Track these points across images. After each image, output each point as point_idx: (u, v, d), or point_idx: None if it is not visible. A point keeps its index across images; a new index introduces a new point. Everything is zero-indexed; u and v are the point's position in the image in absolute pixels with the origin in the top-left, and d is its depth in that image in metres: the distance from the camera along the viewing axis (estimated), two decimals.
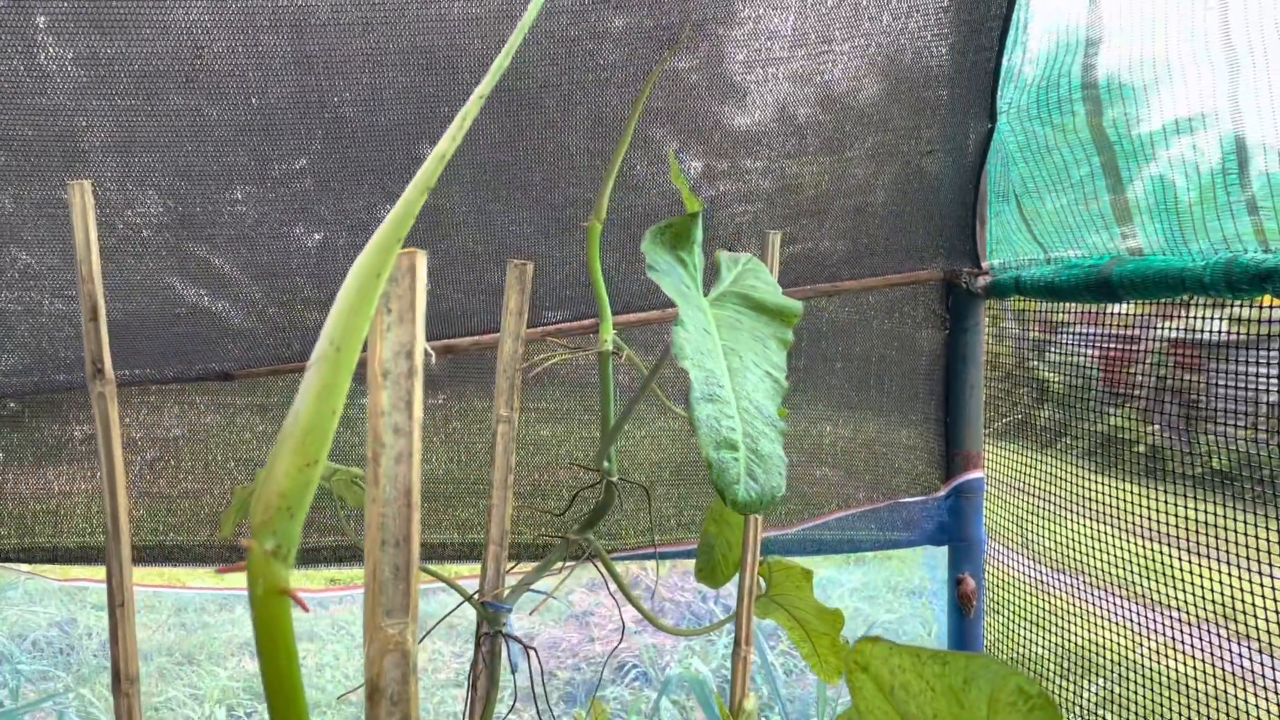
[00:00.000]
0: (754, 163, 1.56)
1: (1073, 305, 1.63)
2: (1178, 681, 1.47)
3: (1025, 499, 1.87)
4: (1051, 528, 1.79)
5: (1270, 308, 1.27)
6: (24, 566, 1.84)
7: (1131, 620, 1.61)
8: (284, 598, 0.43)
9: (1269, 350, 1.30)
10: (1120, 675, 1.62)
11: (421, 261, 0.50)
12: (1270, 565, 1.40)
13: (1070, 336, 1.88)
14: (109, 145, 1.34)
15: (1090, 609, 1.76)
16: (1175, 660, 1.48)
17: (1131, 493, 1.63)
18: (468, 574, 1.90)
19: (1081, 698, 1.71)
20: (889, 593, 4.07)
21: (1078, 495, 1.75)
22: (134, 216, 1.43)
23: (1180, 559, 1.54)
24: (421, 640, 1.67)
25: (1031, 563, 1.87)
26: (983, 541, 1.88)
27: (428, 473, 1.79)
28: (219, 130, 1.34)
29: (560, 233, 1.59)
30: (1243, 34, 1.21)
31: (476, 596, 1.21)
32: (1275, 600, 1.35)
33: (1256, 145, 1.21)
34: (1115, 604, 1.67)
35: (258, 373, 1.68)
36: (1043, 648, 1.80)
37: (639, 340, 1.79)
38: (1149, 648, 1.57)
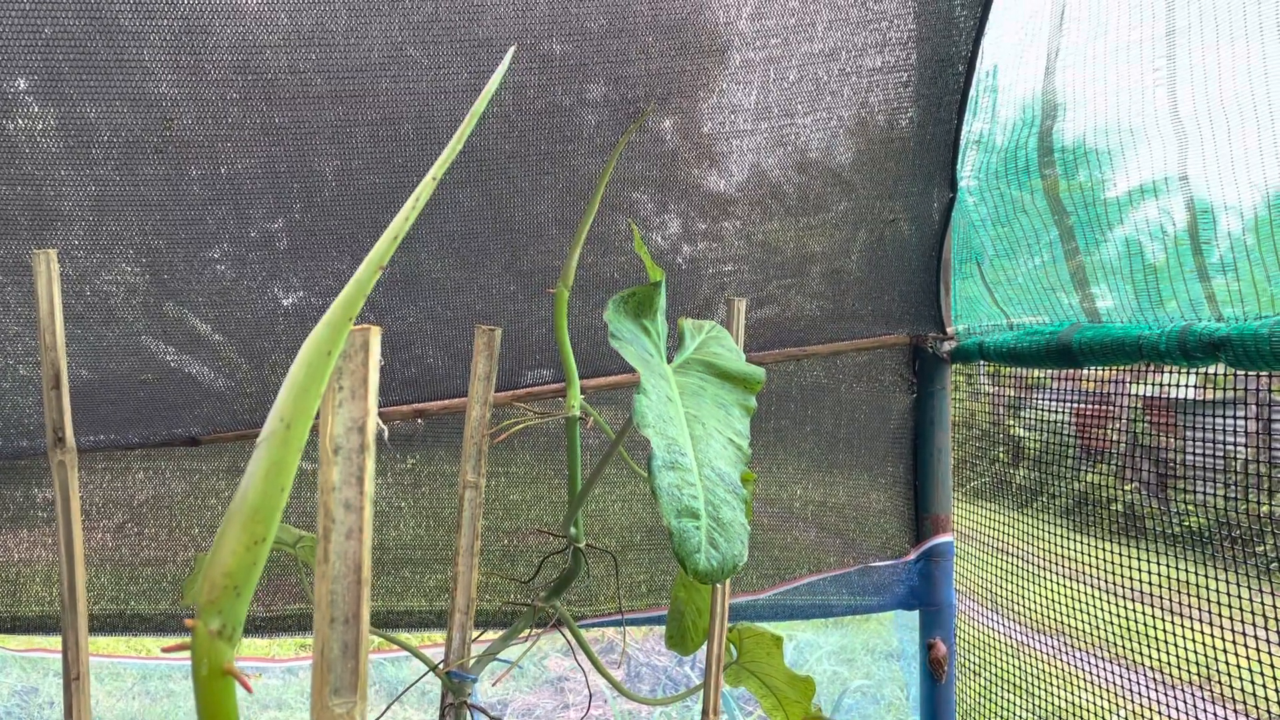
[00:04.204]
0: (728, 225, 1.59)
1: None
2: None
3: (1002, 559, 1.87)
4: (1029, 588, 1.79)
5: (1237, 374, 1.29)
6: None
7: (1111, 682, 1.60)
8: (228, 679, 0.43)
9: (1241, 410, 1.32)
10: None
11: (375, 338, 0.51)
12: (1251, 626, 1.40)
13: (1045, 396, 1.90)
14: (78, 212, 1.35)
15: (1069, 670, 1.75)
16: None
17: (1108, 552, 1.64)
18: (440, 639, 1.87)
19: None
20: (866, 655, 4.03)
21: (1055, 555, 1.75)
22: (102, 282, 1.43)
23: (1158, 619, 1.54)
24: (388, 709, 1.64)
25: (1009, 624, 1.87)
26: (953, 606, 1.88)
27: (395, 538, 1.77)
28: (188, 199, 1.35)
29: (534, 296, 1.60)
30: (1189, 108, 1.25)
31: (441, 666, 1.19)
32: (1257, 662, 1.35)
33: (1206, 215, 1.24)
34: (1094, 665, 1.67)
35: (225, 437, 1.67)
36: (1021, 711, 1.79)
37: (619, 400, 1.79)
38: (1129, 710, 1.56)
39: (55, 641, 2.03)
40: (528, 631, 1.26)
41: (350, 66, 1.25)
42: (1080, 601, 1.69)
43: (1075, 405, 1.86)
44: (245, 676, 0.43)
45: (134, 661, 3.59)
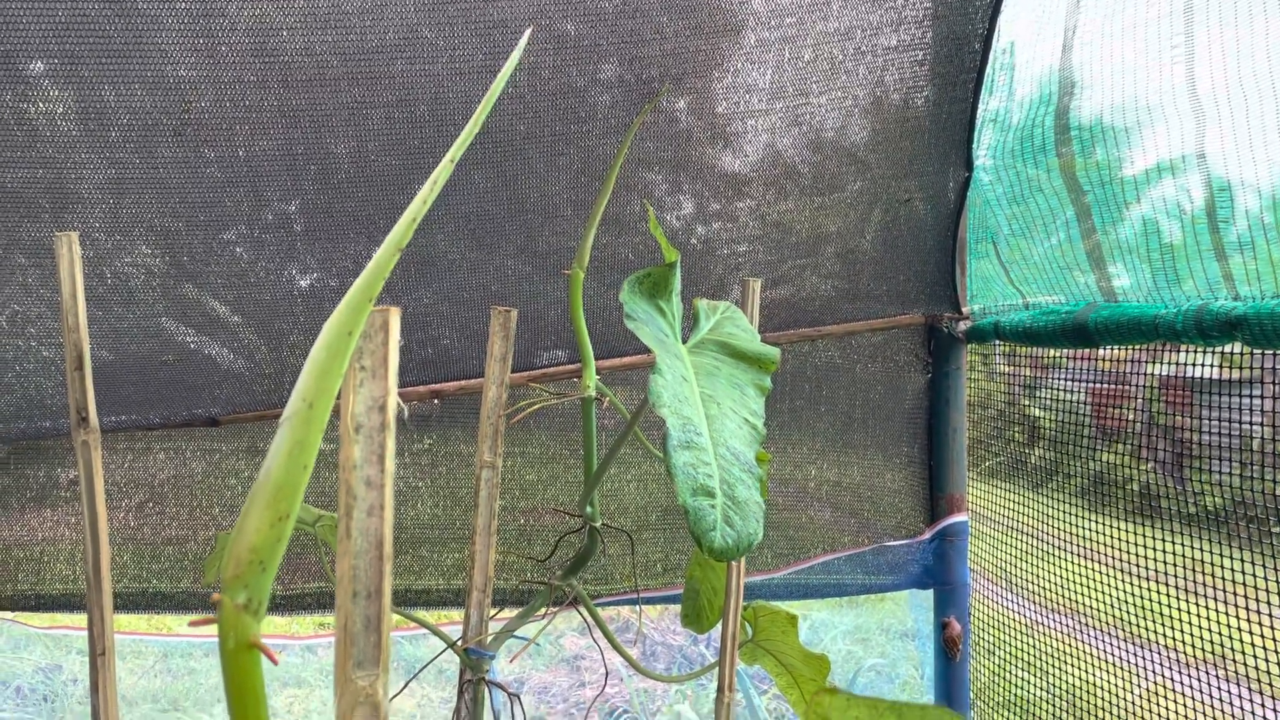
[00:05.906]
0: (742, 205, 1.59)
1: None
2: None
3: (1017, 538, 1.87)
4: (1044, 568, 1.79)
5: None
6: (6, 614, 1.82)
7: (1125, 661, 1.60)
8: (254, 651, 0.44)
9: (1258, 390, 1.32)
10: (1114, 718, 1.61)
11: (395, 319, 0.51)
12: (1267, 606, 1.40)
13: (1061, 376, 1.89)
14: (97, 195, 1.36)
15: (1083, 650, 1.75)
16: (1170, 702, 1.48)
17: (1124, 531, 1.64)
18: (458, 618, 1.89)
19: None
20: (881, 635, 4.04)
21: (1070, 534, 1.75)
22: (122, 265, 1.44)
23: (1174, 599, 1.54)
24: (406, 685, 1.66)
25: (1024, 603, 1.87)
26: (967, 585, 1.88)
27: (413, 517, 1.79)
28: (206, 181, 1.36)
29: (549, 277, 1.61)
30: (1208, 85, 1.24)
31: (460, 643, 1.21)
32: (1274, 641, 1.35)
33: (1224, 193, 1.23)
34: (1109, 645, 1.67)
35: (244, 418, 1.69)
36: (1035, 690, 1.79)
37: (634, 380, 1.80)
38: (1143, 690, 1.57)
39: (78, 619, 2.06)
40: (544, 609, 1.27)
41: (366, 48, 1.26)
42: (1095, 581, 1.69)
43: (1091, 385, 1.86)
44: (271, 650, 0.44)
45: (156, 639, 3.64)
